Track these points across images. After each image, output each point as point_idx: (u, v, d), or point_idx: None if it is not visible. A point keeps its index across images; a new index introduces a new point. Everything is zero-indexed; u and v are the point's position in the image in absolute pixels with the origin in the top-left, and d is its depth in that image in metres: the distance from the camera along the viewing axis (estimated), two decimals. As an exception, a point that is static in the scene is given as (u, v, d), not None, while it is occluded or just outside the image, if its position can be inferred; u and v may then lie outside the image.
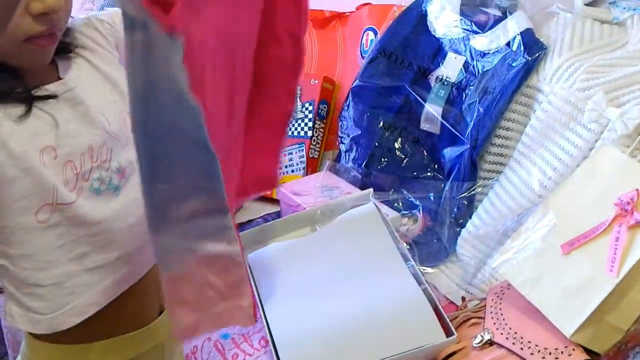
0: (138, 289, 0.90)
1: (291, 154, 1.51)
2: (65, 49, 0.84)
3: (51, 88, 0.79)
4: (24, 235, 0.70)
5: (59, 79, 0.82)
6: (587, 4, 1.25)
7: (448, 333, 0.93)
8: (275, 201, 1.43)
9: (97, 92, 0.83)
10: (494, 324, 0.94)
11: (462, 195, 1.24)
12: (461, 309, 1.05)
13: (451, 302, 1.12)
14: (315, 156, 1.53)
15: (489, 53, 1.28)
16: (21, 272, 0.78)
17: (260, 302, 1.00)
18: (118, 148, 0.82)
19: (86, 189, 0.78)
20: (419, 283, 1.01)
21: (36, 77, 0.79)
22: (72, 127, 0.79)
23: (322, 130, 1.53)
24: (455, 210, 1.25)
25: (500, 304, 0.97)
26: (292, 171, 1.51)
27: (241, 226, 1.34)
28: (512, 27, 1.25)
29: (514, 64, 1.22)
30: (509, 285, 0.98)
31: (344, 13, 1.64)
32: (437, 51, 1.39)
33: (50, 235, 0.76)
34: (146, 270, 0.90)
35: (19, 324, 0.82)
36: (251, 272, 1.05)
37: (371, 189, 1.18)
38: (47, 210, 0.74)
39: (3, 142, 0.73)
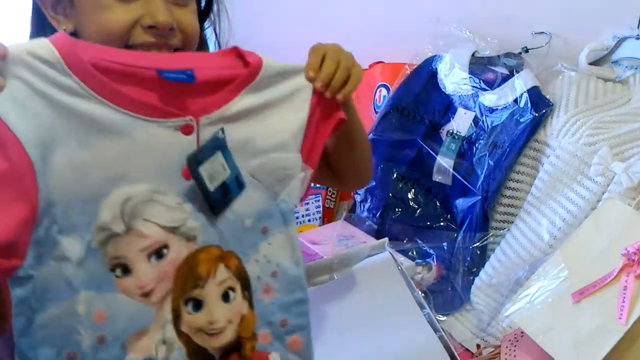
0: None
1: (308, 204, 1.56)
2: None
3: None
4: None
5: None
6: (590, 63, 1.32)
7: (464, 379, 0.96)
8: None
9: None
10: (509, 370, 0.97)
11: (475, 245, 1.29)
12: (476, 356, 1.08)
13: (466, 349, 1.15)
14: (331, 206, 1.58)
15: (497, 109, 1.35)
16: None
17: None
18: None
19: None
20: (435, 330, 1.05)
21: None
22: None
23: (337, 181, 1.59)
24: (469, 259, 1.29)
25: (514, 351, 1.00)
26: (309, 221, 1.56)
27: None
28: (519, 85, 1.32)
29: (521, 120, 1.29)
30: (522, 332, 1.01)
31: (358, 70, 1.71)
32: (448, 107, 1.46)
33: None
34: None
35: None
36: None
37: (386, 239, 1.22)
38: None
39: None
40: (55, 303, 0.59)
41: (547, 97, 1.30)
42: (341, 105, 0.76)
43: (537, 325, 0.97)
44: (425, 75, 1.49)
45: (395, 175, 1.48)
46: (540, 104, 1.28)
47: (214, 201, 0.65)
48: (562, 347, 0.93)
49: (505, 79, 1.36)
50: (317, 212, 1.56)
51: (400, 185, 1.48)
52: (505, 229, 1.29)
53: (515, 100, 1.31)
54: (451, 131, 1.42)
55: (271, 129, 0.69)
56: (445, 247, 1.35)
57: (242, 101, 0.68)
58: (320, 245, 1.36)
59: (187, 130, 0.64)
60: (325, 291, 1.15)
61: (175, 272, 0.64)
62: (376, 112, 1.59)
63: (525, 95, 1.30)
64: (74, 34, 0.73)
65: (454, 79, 1.43)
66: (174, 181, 0.63)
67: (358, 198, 1.53)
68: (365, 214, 1.48)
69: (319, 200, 1.56)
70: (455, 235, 1.34)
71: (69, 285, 0.59)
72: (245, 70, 0.69)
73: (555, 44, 1.40)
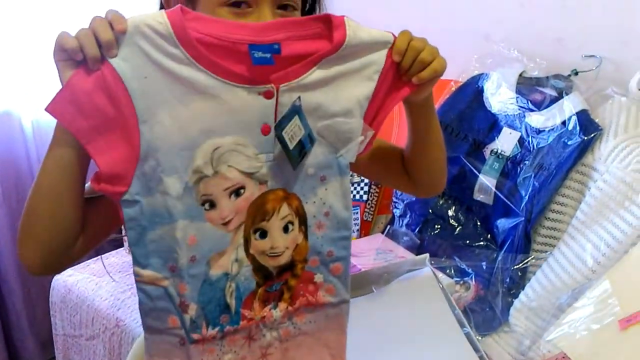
0: None
1: (346, 216, 1.56)
2: None
3: None
4: None
5: None
6: (641, 89, 1.31)
7: (504, 401, 0.95)
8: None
9: None
10: (550, 395, 0.96)
11: (516, 266, 1.27)
12: (515, 379, 1.07)
13: (504, 371, 1.14)
14: (369, 219, 1.58)
15: (544, 130, 1.34)
16: None
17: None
18: None
19: None
20: (475, 350, 1.04)
21: None
22: None
23: (376, 194, 1.59)
24: (508, 280, 1.28)
25: (555, 375, 0.99)
26: (346, 233, 1.56)
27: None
28: (568, 107, 1.31)
29: (569, 143, 1.28)
30: (564, 356, 1.00)
31: (401, 84, 1.71)
32: (493, 125, 1.45)
33: None
34: None
35: None
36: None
37: (427, 255, 1.22)
38: None
39: None
40: (160, 226, 0.73)
41: (596, 121, 1.28)
42: (418, 93, 0.81)
43: (581, 351, 0.96)
44: (470, 93, 1.49)
45: (435, 192, 1.47)
46: (589, 127, 1.27)
47: (294, 157, 0.76)
48: (607, 374, 0.91)
49: (554, 100, 1.35)
50: (355, 224, 1.56)
51: (441, 202, 1.47)
52: (547, 251, 1.27)
53: (564, 123, 1.31)
54: (495, 150, 1.41)
55: (340, 96, 0.77)
56: (484, 267, 1.34)
57: (317, 72, 0.76)
58: (358, 258, 1.36)
59: (268, 95, 0.74)
60: (363, 304, 1.15)
61: (248, 208, 0.77)
62: (419, 128, 1.59)
63: (574, 118, 1.29)
64: None
65: (500, 98, 1.42)
66: (254, 136, 0.75)
67: (397, 213, 1.53)
68: (404, 229, 1.48)
69: (357, 213, 1.56)
70: (495, 255, 1.33)
71: (170, 214, 0.73)
72: (326, 46, 0.75)
73: (605, 68, 1.39)
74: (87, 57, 0.68)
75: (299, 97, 0.75)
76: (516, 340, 1.20)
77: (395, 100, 0.80)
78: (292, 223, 0.80)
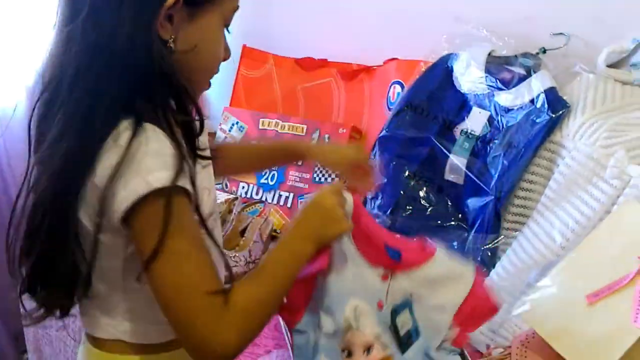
0: None
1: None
2: None
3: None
4: None
5: None
6: (609, 66, 1.31)
7: (475, 380, 0.97)
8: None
9: None
10: (520, 371, 0.96)
11: (486, 246, 1.27)
12: (486, 356, 1.07)
13: (476, 350, 1.14)
14: (341, 202, 1.57)
15: (513, 109, 1.34)
16: None
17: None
18: None
19: None
20: (446, 329, 1.04)
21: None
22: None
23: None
24: (479, 260, 1.28)
25: (525, 352, 0.99)
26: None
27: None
28: (536, 85, 1.31)
29: (537, 120, 1.27)
30: (534, 333, 1.00)
31: (372, 67, 1.70)
32: (462, 105, 1.44)
33: None
34: None
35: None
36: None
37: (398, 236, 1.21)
38: None
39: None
40: (310, 357, 0.89)
41: (564, 98, 1.28)
42: None
43: (550, 326, 0.96)
44: (440, 73, 1.48)
45: (407, 173, 1.47)
46: (557, 104, 1.27)
47: (402, 343, 0.93)
48: (575, 348, 0.92)
49: (522, 79, 1.35)
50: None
51: (412, 183, 1.46)
52: (517, 230, 1.27)
53: (532, 101, 1.30)
54: (465, 130, 1.41)
55: (438, 294, 0.95)
56: (456, 247, 1.33)
57: (420, 272, 0.95)
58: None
59: (384, 277, 0.93)
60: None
61: None
62: (389, 109, 1.58)
63: (542, 95, 1.28)
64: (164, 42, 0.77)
65: (469, 77, 1.42)
66: (374, 307, 0.92)
67: (369, 195, 1.52)
68: (376, 210, 1.47)
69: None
70: (466, 235, 1.33)
71: (315, 347, 0.89)
72: (424, 256, 0.97)
73: (573, 45, 1.39)
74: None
75: (411, 294, 0.94)
76: (487, 319, 1.20)
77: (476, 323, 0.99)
78: None
